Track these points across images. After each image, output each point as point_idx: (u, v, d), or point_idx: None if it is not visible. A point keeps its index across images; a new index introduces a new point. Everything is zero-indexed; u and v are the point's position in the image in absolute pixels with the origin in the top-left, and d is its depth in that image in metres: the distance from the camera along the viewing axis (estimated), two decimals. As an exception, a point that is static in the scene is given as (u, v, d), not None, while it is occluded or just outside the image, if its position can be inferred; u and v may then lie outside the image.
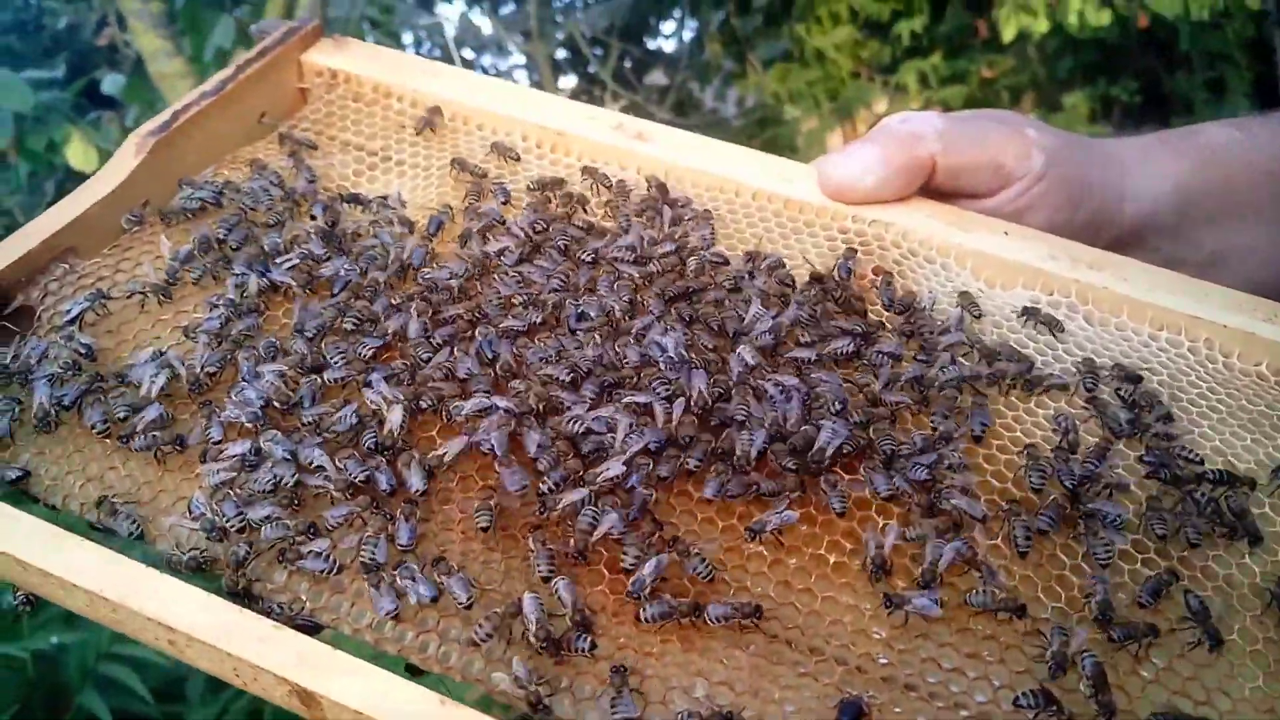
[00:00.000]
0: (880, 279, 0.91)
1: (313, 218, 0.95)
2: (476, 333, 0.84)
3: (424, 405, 0.79)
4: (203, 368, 0.81)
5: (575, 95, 6.16)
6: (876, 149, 0.93)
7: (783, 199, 0.97)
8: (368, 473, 0.75)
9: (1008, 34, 5.73)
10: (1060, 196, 0.94)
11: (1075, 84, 5.96)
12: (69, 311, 0.84)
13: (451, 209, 0.96)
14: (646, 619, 0.68)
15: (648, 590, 0.69)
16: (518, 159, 1.00)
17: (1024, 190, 0.94)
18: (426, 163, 1.02)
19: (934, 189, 0.96)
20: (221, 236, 0.91)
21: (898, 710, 0.65)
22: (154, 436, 0.77)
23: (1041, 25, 5.60)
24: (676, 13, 6.24)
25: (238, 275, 0.88)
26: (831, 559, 0.73)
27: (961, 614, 0.71)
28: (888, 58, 6.29)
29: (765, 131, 6.17)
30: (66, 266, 0.88)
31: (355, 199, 0.96)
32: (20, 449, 0.78)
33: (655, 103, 5.62)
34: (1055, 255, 0.92)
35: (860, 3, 6.36)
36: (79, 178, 3.74)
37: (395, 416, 0.77)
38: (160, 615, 0.66)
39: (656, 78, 6.24)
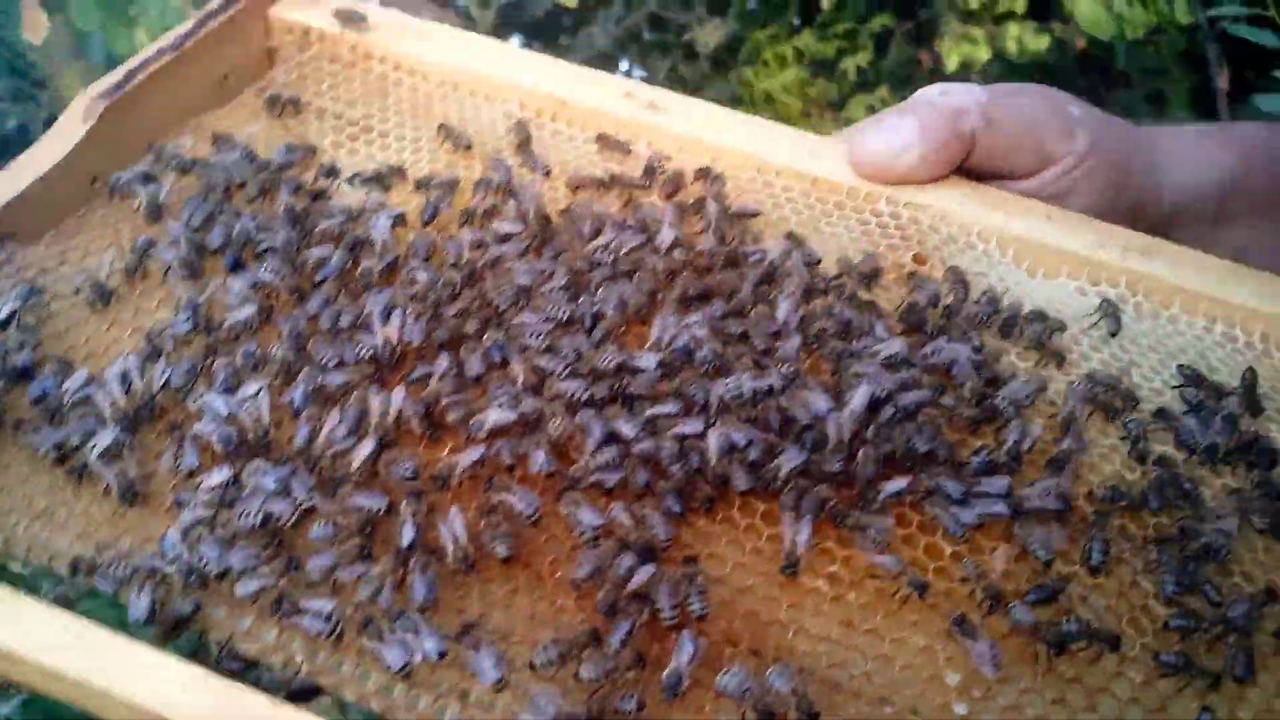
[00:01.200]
0: (951, 280, 0.82)
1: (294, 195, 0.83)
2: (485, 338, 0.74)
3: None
4: (162, 383, 0.70)
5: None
6: (915, 122, 0.86)
7: (810, 177, 0.89)
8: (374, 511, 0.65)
9: (951, 64, 5.80)
10: (1103, 180, 0.89)
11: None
12: None
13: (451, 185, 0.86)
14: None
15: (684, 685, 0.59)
16: (468, 147, 0.90)
17: (1066, 172, 0.88)
18: (415, 134, 0.92)
19: (970, 168, 0.89)
20: (191, 222, 0.79)
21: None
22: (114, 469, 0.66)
23: (983, 53, 5.68)
24: (624, 64, 6.28)
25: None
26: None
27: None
28: (835, 94, 6.35)
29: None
30: (2, 256, 0.76)
31: (333, 172, 0.86)
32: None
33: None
34: (1103, 242, 0.85)
35: (805, 44, 6.44)
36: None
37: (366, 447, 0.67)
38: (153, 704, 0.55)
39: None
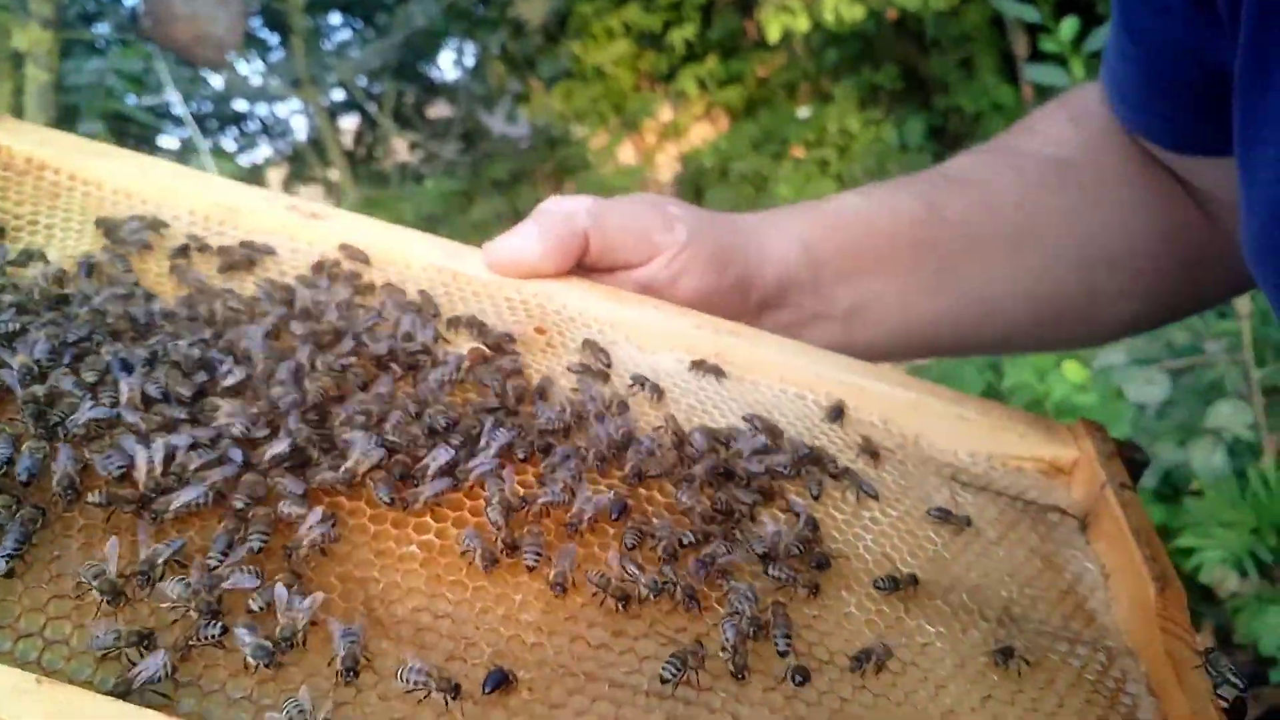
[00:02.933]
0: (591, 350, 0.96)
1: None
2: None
3: None
4: None
5: (358, 137, 6.06)
6: (535, 227, 1.01)
7: (451, 272, 1.02)
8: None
9: (772, 34, 6.00)
10: (706, 261, 1.05)
11: (841, 75, 6.28)
12: None
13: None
14: None
15: None
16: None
17: (673, 258, 1.04)
18: (81, 226, 0.98)
19: (590, 265, 1.04)
20: None
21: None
22: None
23: (802, 23, 5.89)
24: (454, 43, 6.24)
25: None
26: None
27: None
28: (665, 67, 6.47)
29: (557, 152, 6.24)
30: None
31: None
32: None
33: (440, 136, 5.61)
34: (699, 325, 1.01)
35: (632, 17, 6.51)
36: None
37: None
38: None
39: (441, 110, 6.22)
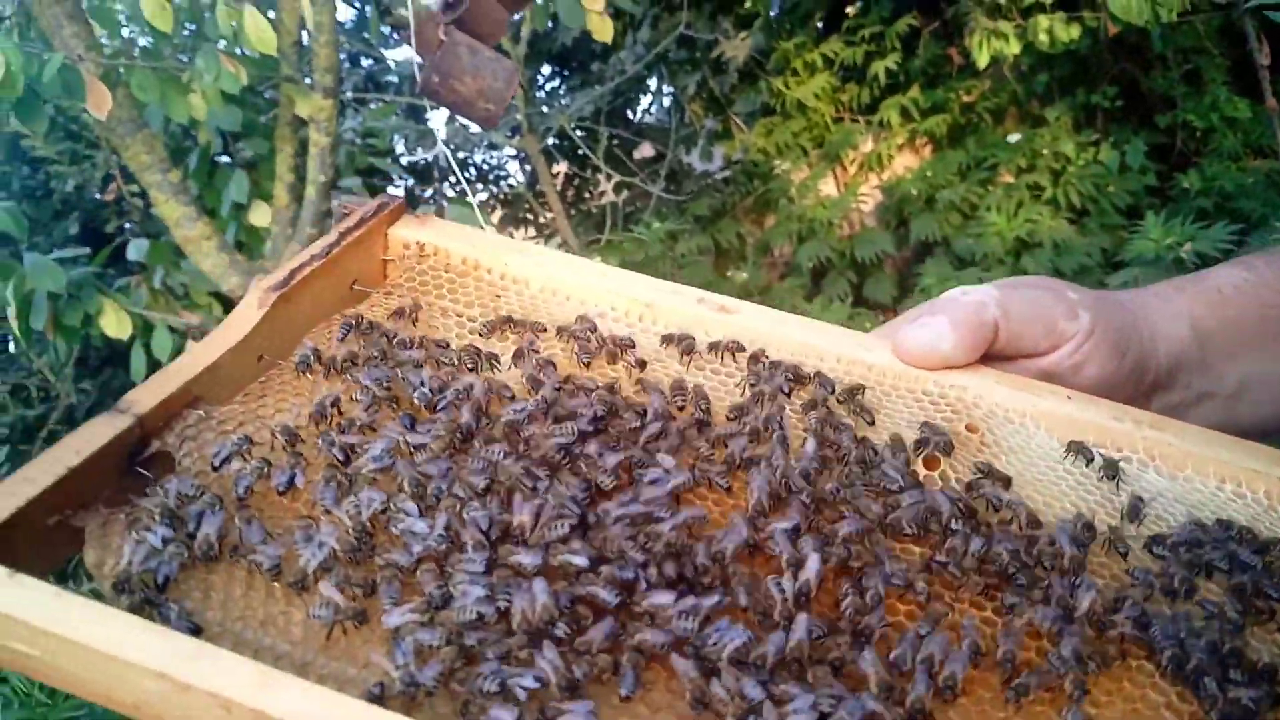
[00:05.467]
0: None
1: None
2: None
3: None
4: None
5: (569, 179, 6.27)
6: (945, 318, 1.02)
7: (865, 364, 1.04)
8: None
9: (982, 60, 5.85)
10: (1108, 347, 1.04)
11: (1054, 97, 6.08)
12: (218, 454, 0.85)
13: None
14: None
15: None
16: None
17: (1078, 346, 1.03)
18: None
19: (995, 354, 1.04)
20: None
21: None
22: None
23: (1013, 47, 5.73)
24: (653, 83, 6.39)
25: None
26: None
27: None
28: (867, 98, 6.41)
29: (756, 187, 6.27)
30: (200, 413, 0.89)
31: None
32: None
33: (648, 178, 5.74)
34: (1118, 417, 0.99)
35: (832, 50, 6.50)
36: (116, 346, 3.82)
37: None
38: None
39: (644, 150, 6.36)
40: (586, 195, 6.04)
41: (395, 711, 0.63)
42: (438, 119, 5.78)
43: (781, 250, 6.16)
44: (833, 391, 0.99)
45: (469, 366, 0.99)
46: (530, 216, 6.01)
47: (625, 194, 6.00)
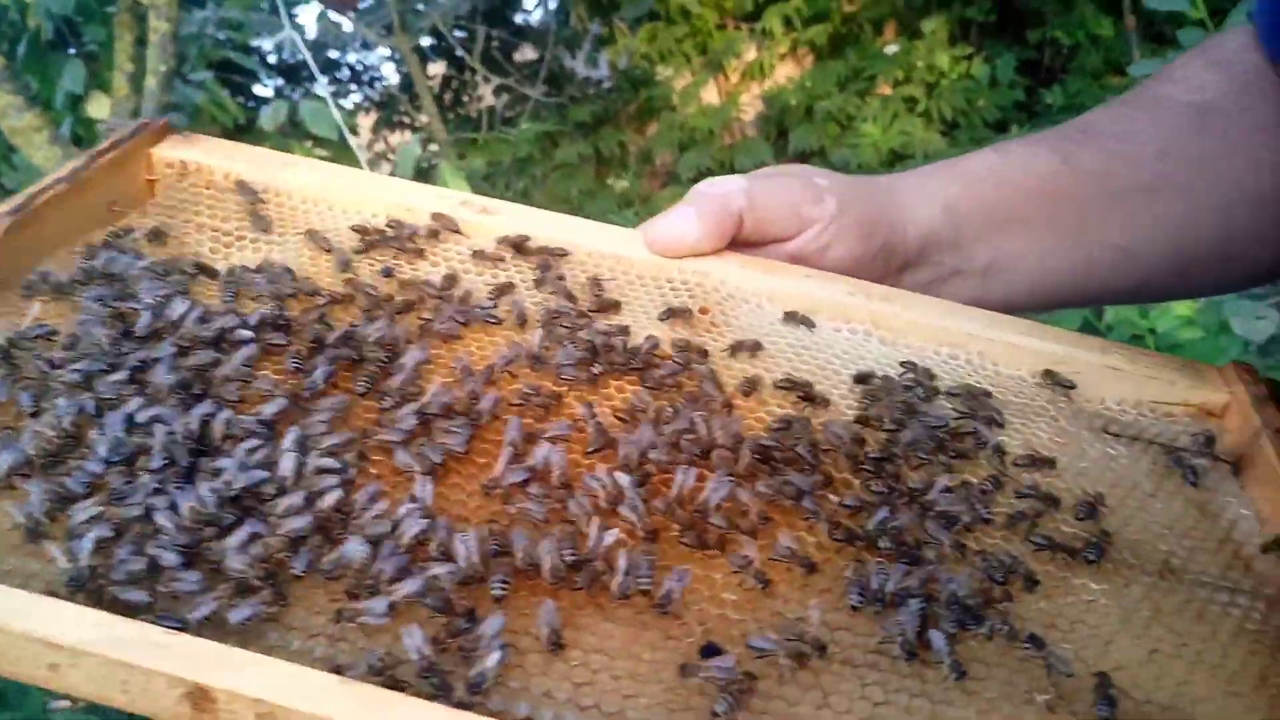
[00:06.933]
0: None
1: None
2: None
3: None
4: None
5: (445, 82, 6.10)
6: (692, 209, 1.06)
7: (614, 257, 1.08)
8: None
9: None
10: (854, 230, 1.09)
11: (932, 9, 6.12)
12: None
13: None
14: None
15: None
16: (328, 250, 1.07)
17: (823, 229, 1.09)
18: (282, 239, 1.08)
19: (744, 240, 1.09)
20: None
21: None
22: None
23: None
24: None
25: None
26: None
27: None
28: (751, 5, 6.36)
29: (640, 94, 6.21)
30: None
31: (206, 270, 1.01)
32: None
33: (528, 81, 5.62)
34: (852, 292, 1.06)
35: (718, -45, 6.38)
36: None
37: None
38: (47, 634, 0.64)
39: (526, 54, 6.21)
40: (465, 99, 5.90)
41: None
42: (309, 16, 5.55)
43: (663, 159, 6.14)
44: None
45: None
46: (406, 120, 5.85)
47: (505, 98, 5.87)
